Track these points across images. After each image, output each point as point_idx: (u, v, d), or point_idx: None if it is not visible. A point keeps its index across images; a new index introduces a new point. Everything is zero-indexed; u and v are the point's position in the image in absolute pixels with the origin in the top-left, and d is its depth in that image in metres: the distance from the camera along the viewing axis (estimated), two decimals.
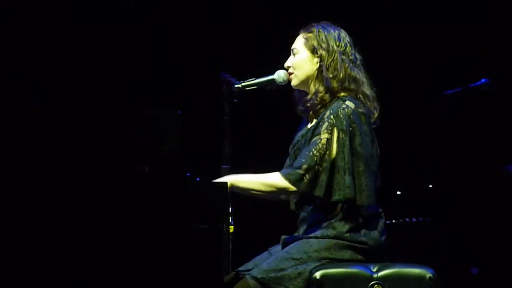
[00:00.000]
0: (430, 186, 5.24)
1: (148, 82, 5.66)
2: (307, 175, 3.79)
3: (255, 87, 4.03)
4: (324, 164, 3.80)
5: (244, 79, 4.03)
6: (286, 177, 3.81)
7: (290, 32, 4.11)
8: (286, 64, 4.03)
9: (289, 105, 4.15)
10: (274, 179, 3.83)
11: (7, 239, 3.47)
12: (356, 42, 4.02)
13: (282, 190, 3.84)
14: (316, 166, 3.80)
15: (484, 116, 5.52)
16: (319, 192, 3.79)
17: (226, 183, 3.71)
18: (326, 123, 3.85)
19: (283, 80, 4.02)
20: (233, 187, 3.82)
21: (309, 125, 4.00)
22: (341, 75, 3.92)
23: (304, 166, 3.80)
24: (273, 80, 4.04)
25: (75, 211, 3.49)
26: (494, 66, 5.44)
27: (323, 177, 3.79)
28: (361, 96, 3.93)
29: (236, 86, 4.01)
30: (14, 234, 3.48)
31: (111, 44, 5.59)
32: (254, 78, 4.04)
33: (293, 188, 3.81)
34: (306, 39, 3.99)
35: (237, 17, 5.73)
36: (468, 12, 5.65)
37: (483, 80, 4.78)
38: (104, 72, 5.53)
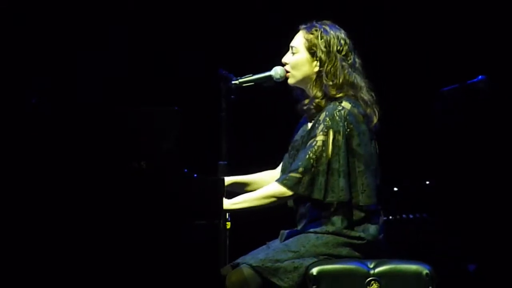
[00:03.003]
0: (427, 182, 5.24)
1: (146, 79, 5.66)
2: (304, 178, 3.79)
3: (252, 83, 4.03)
4: (321, 167, 3.79)
5: (241, 75, 4.03)
6: (283, 183, 3.81)
7: (287, 28, 4.10)
8: (284, 60, 4.01)
9: (286, 101, 4.15)
10: (272, 189, 3.83)
11: (5, 237, 3.48)
12: (353, 40, 4.01)
13: (281, 197, 3.83)
14: (313, 169, 3.79)
15: (481, 114, 5.52)
16: (318, 195, 3.78)
17: (223, 179, 3.72)
18: (322, 125, 3.84)
19: (280, 76, 4.02)
20: (229, 210, 3.81)
21: (309, 125, 3.99)
22: (340, 81, 3.90)
23: (301, 169, 3.79)
24: (270, 76, 4.03)
25: (73, 207, 3.50)
26: (492, 63, 5.44)
27: (321, 180, 3.79)
28: (360, 101, 3.92)
29: (233, 82, 4.01)
30: (13, 230, 3.49)
31: (111, 44, 5.60)
32: (251, 75, 4.04)
33: (290, 192, 3.80)
34: (307, 40, 3.96)
35: (234, 14, 5.73)
36: (466, 8, 5.66)
37: (480, 77, 4.77)
38: (104, 72, 5.54)
